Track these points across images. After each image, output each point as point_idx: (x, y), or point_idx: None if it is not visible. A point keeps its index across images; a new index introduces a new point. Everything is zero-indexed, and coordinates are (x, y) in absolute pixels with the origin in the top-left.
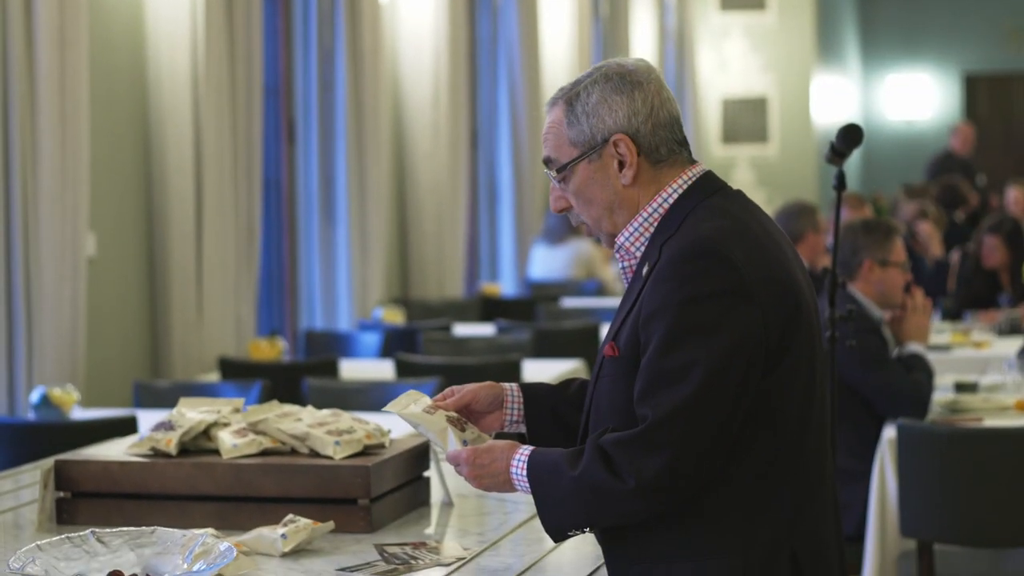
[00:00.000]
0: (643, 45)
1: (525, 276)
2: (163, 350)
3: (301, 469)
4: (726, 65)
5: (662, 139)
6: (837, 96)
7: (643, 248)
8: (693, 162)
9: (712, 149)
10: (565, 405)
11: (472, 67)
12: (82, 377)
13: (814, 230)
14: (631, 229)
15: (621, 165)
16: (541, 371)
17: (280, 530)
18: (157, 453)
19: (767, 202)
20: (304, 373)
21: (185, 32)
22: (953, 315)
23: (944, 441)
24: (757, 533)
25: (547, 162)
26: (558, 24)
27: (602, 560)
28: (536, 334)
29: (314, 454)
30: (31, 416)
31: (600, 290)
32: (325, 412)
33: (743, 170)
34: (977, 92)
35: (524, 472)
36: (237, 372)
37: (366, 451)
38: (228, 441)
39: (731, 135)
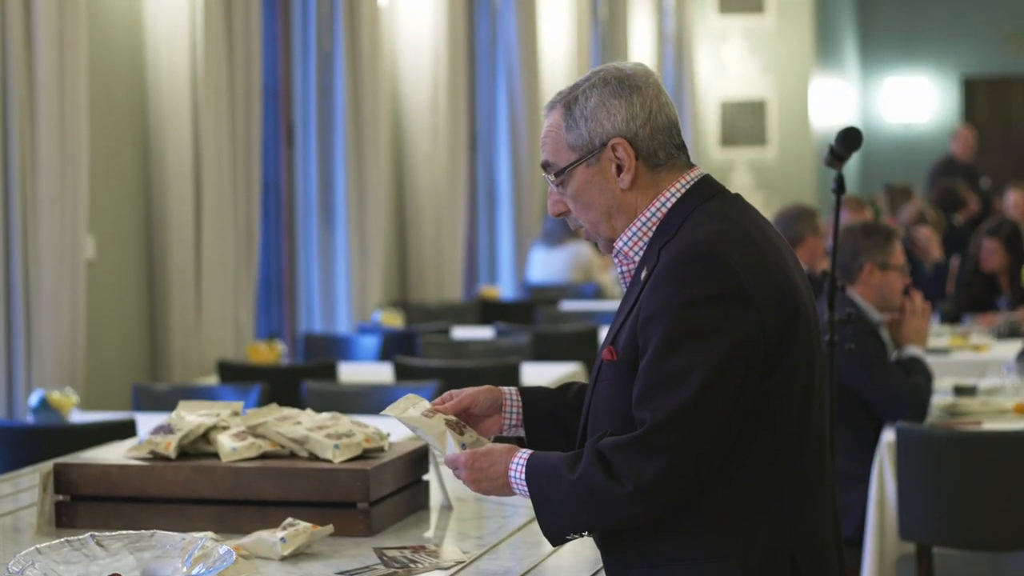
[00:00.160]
0: (642, 48)
1: (524, 279)
2: (162, 353)
3: (300, 472)
4: (724, 68)
5: (660, 143)
6: (836, 99)
7: (641, 252)
8: (691, 166)
9: (711, 152)
10: (564, 409)
11: (471, 70)
12: (81, 380)
13: (813, 233)
14: (629, 233)
15: (619, 169)
16: (540, 374)
17: (279, 533)
18: (156, 456)
19: (765, 205)
20: (303, 376)
21: (184, 35)
22: (952, 318)
23: (943, 444)
24: (756, 535)
25: (545, 166)
26: (557, 27)
27: (601, 564)
28: (535, 337)
29: (313, 457)
30: (30, 419)
31: (599, 293)
32: (324, 415)
33: (742, 173)
34: (976, 95)
35: (522, 476)
36: (236, 375)
37: (365, 455)
38: (227, 444)
39: (730, 138)
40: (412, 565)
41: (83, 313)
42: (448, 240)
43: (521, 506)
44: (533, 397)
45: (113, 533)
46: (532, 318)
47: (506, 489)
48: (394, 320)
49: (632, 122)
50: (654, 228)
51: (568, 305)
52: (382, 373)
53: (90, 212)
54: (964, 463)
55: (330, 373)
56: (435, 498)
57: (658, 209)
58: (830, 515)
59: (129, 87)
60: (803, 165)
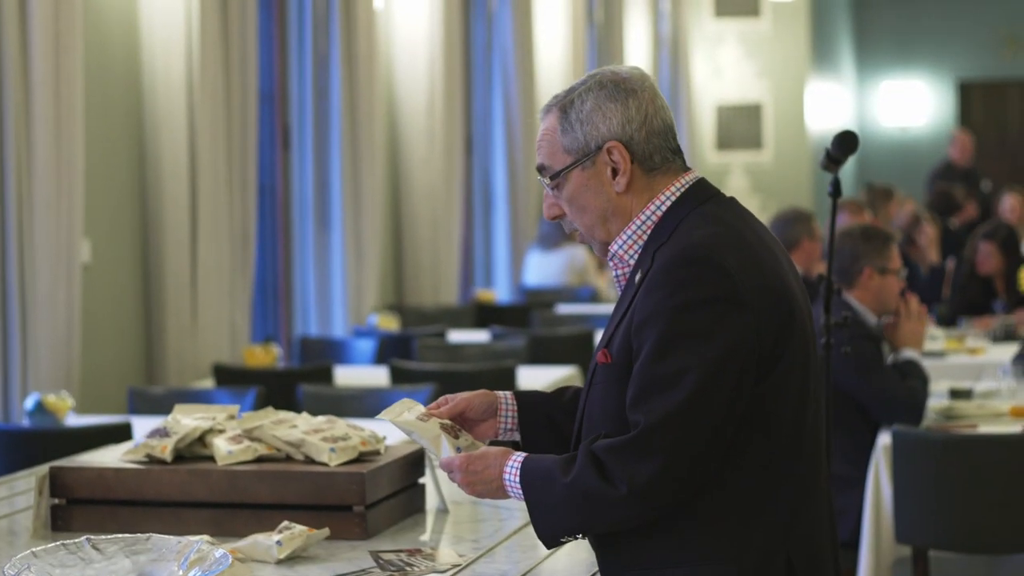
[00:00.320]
0: (637, 52)
1: (520, 282)
2: (158, 356)
3: (296, 476)
4: (720, 72)
5: (656, 147)
6: (831, 103)
7: (636, 256)
8: (686, 169)
9: (706, 156)
10: (559, 413)
11: (467, 73)
12: (77, 383)
13: (809, 237)
14: (624, 237)
15: (614, 172)
16: (535, 378)
17: (275, 537)
18: (152, 460)
19: (761, 209)
20: (299, 380)
21: (180, 38)
22: (948, 321)
23: (939, 447)
24: (752, 538)
25: (541, 169)
26: (553, 30)
27: (597, 567)
28: (531, 341)
29: (309, 461)
30: (26, 423)
31: (594, 297)
32: (320, 419)
33: (737, 177)
34: (971, 99)
35: (517, 478)
36: (232, 379)
37: (361, 458)
38: (223, 448)
39: (725, 142)
40: (408, 568)
41: (79, 316)
42: (444, 243)
43: (517, 509)
44: (528, 401)
45: (109, 536)
46: (528, 321)
47: (500, 492)
48: (390, 323)
49: (628, 126)
50: (649, 231)
51: (564, 308)
52: (378, 376)
53: (86, 215)
54: (960, 466)
55: (326, 376)
56: (431, 501)
57: (653, 212)
58: (826, 518)
59: (125, 90)
60: (799, 169)
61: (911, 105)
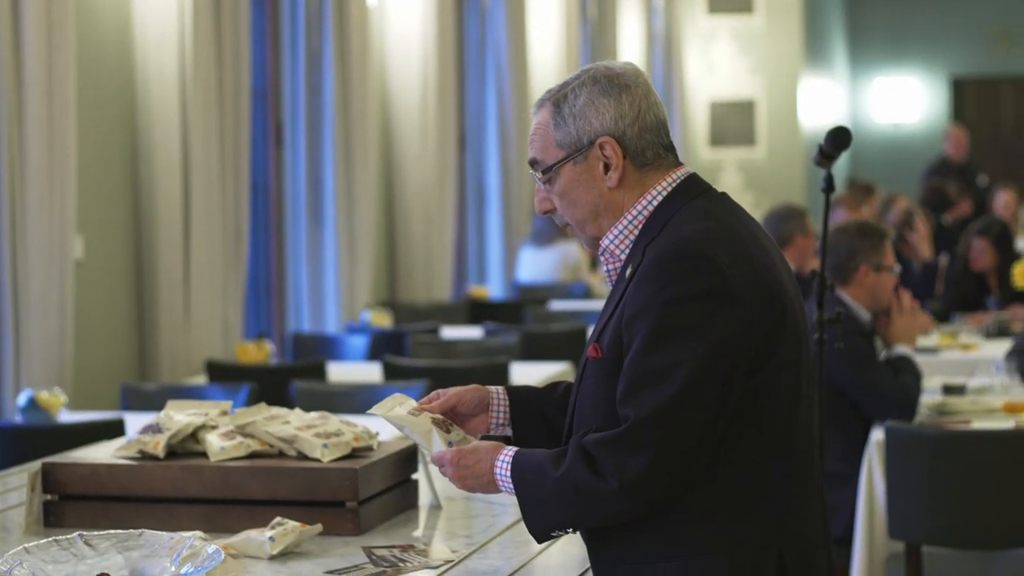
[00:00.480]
0: (631, 48)
1: (513, 279)
2: (150, 353)
3: (289, 472)
4: (714, 68)
5: (648, 143)
6: (825, 99)
7: (627, 251)
8: (678, 165)
9: (700, 152)
10: (551, 408)
11: (460, 70)
12: (69, 380)
13: (802, 233)
14: (615, 232)
15: (606, 168)
16: (529, 374)
17: (268, 533)
18: (145, 456)
19: (755, 205)
20: (292, 376)
21: (173, 35)
22: (941, 317)
23: (932, 443)
24: (744, 533)
25: (533, 163)
26: (546, 27)
27: (589, 563)
28: (524, 337)
29: (302, 457)
30: (18, 419)
31: (588, 293)
32: (313, 415)
33: (731, 173)
34: (964, 95)
35: (508, 473)
36: (224, 375)
37: (354, 454)
38: (216, 444)
39: (718, 138)
40: (401, 564)
41: (71, 313)
42: (437, 240)
43: (510, 505)
44: (520, 396)
45: (101, 532)
46: (521, 318)
47: (492, 486)
48: (383, 320)
49: (620, 121)
50: (640, 226)
51: (557, 305)
52: (371, 373)
53: (78, 212)
54: (953, 462)
55: (319, 373)
56: (424, 497)
57: (644, 207)
58: (818, 515)
59: (117, 87)
60: (792, 165)
61: (904, 101)
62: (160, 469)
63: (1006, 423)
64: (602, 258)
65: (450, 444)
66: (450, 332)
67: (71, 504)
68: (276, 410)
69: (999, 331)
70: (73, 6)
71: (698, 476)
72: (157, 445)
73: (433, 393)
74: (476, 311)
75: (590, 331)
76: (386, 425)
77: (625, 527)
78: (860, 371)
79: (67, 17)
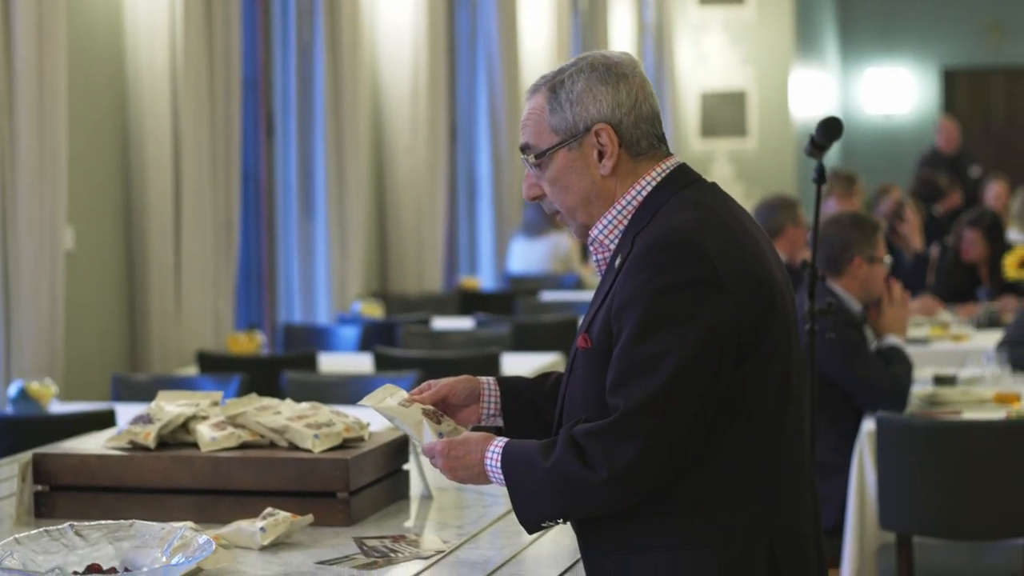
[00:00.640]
0: (622, 39)
1: (504, 270)
2: (141, 344)
3: (280, 462)
4: (705, 59)
5: (643, 132)
6: (816, 90)
7: (617, 240)
8: (668, 155)
9: (691, 143)
10: (542, 399)
11: (451, 61)
12: (60, 370)
13: (794, 224)
14: (605, 221)
15: (601, 155)
16: (520, 365)
17: (259, 523)
18: (135, 446)
19: (746, 196)
20: (283, 367)
21: (164, 25)
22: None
23: (923, 434)
24: (734, 523)
25: (525, 148)
26: (537, 18)
27: (579, 553)
28: (515, 328)
29: (293, 447)
30: (9, 410)
31: (579, 284)
32: (304, 405)
33: (722, 164)
34: (955, 87)
35: (498, 464)
36: (215, 366)
37: (345, 444)
38: (207, 434)
39: (710, 129)
40: (392, 555)
41: (62, 303)
42: (428, 231)
43: (501, 495)
44: (511, 386)
45: (92, 523)
46: (512, 308)
47: (482, 477)
48: (374, 310)
49: (617, 109)
50: (630, 216)
51: (548, 295)
52: (362, 363)
53: (69, 202)
54: (944, 453)
55: (310, 363)
56: (415, 488)
57: (634, 197)
58: (809, 505)
59: (108, 77)
60: (783, 156)
61: (895, 92)
62: (151, 460)
63: (997, 413)
64: (591, 248)
65: (440, 435)
66: (441, 323)
67: (62, 495)
68: (267, 401)
69: (990, 322)
70: None
71: (688, 466)
72: (148, 436)
73: (424, 384)
74: (467, 302)
75: (580, 321)
76: (377, 416)
77: (615, 518)
78: (851, 362)
79: (58, 6)
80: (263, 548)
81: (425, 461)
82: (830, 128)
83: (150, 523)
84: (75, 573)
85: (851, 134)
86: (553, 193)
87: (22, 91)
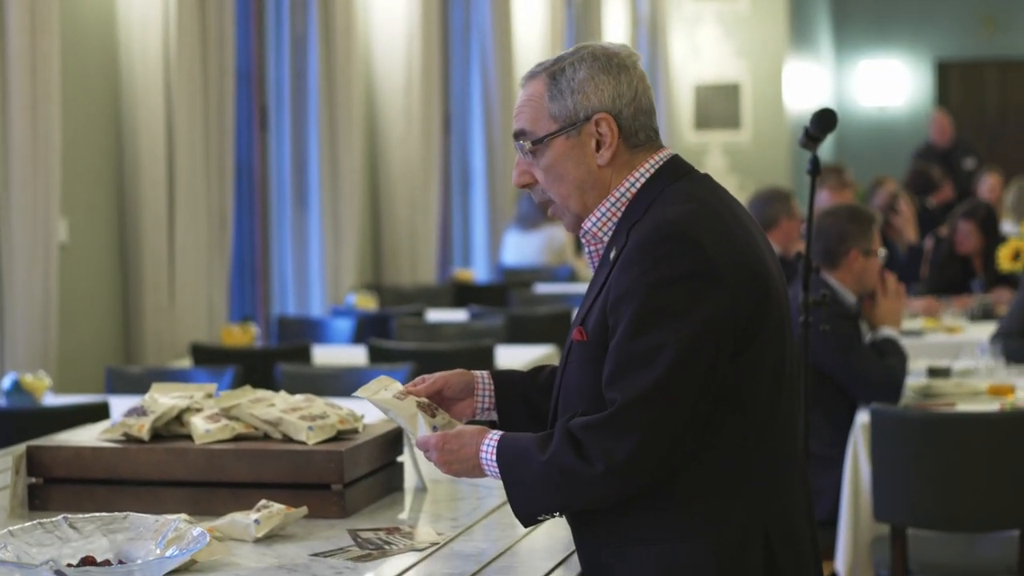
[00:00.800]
0: (615, 31)
1: (498, 262)
2: (135, 336)
3: (274, 454)
4: (699, 51)
5: (641, 125)
6: (810, 82)
7: (610, 233)
8: (661, 147)
9: (684, 135)
10: (536, 392)
11: (445, 53)
12: (54, 363)
13: (788, 216)
14: (599, 214)
15: (598, 145)
16: (514, 357)
17: (253, 515)
18: (129, 439)
19: (740, 188)
20: (276, 359)
21: (157, 16)
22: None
23: (917, 426)
24: (729, 516)
25: (520, 134)
26: (531, 10)
27: (575, 545)
28: (509, 320)
29: (287, 439)
30: (2, 402)
31: (573, 276)
32: (298, 397)
33: (716, 156)
34: (949, 79)
35: (493, 457)
36: (209, 358)
37: (339, 436)
38: (201, 426)
39: (703, 121)
40: (386, 547)
41: (56, 296)
42: (422, 223)
43: (495, 487)
44: (505, 380)
45: (86, 515)
46: (506, 301)
47: (477, 471)
48: (368, 303)
49: (618, 100)
50: (623, 208)
51: (542, 288)
52: (356, 356)
53: (63, 195)
54: (938, 445)
55: (304, 356)
56: (410, 480)
57: (627, 189)
58: (802, 497)
59: (101, 69)
60: (777, 148)
61: (889, 85)
62: (145, 452)
63: (991, 406)
64: (583, 240)
65: (435, 428)
66: (435, 315)
67: (56, 487)
68: (261, 393)
69: (984, 314)
70: None
71: (684, 459)
72: (142, 428)
73: (419, 378)
74: (461, 294)
75: (575, 314)
76: (371, 408)
77: (611, 511)
78: (846, 354)
79: None
80: (257, 540)
81: (419, 453)
82: (824, 120)
83: (144, 515)
84: (69, 565)
85: (845, 126)
86: (546, 181)
87: (15, 83)
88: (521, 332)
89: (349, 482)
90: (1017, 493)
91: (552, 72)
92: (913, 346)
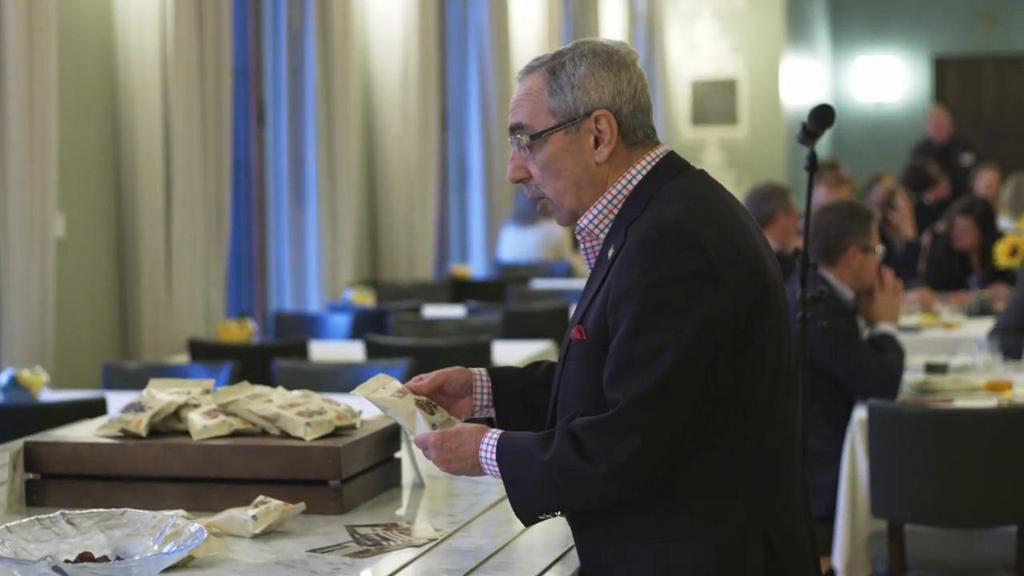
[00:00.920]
0: (612, 27)
1: (495, 258)
2: (132, 332)
3: (272, 450)
4: (696, 47)
5: (640, 122)
6: (806, 78)
7: (607, 230)
8: (657, 144)
9: (681, 131)
10: (533, 388)
11: (442, 49)
12: (51, 359)
13: (785, 212)
14: (595, 210)
15: (597, 142)
16: (511, 353)
17: (251, 511)
18: (127, 434)
19: (737, 184)
20: (274, 355)
21: (154, 12)
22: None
23: (915, 422)
24: (729, 514)
25: (516, 129)
26: (528, 6)
27: (573, 542)
28: (506, 316)
29: (285, 435)
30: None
31: (570, 272)
32: (296, 393)
33: (713, 152)
34: (946, 75)
35: (493, 456)
36: (207, 354)
37: (337, 432)
38: (198, 422)
39: (700, 117)
40: (384, 543)
41: (53, 291)
42: (419, 219)
43: (493, 484)
44: (502, 377)
45: (84, 511)
46: (503, 297)
47: (476, 469)
48: (365, 299)
49: (618, 97)
50: (620, 206)
51: (539, 284)
52: (353, 351)
53: (60, 190)
54: (936, 441)
55: (301, 351)
56: (407, 476)
57: (624, 186)
58: (800, 494)
59: (99, 65)
60: (774, 144)
61: (886, 80)
62: (142, 448)
63: (988, 401)
64: (579, 236)
65: (434, 426)
66: (432, 311)
67: (53, 483)
68: (259, 389)
69: (981, 310)
70: None
71: (683, 459)
72: (139, 424)
73: (417, 376)
74: (458, 290)
75: (572, 310)
76: (369, 404)
77: (611, 510)
78: (843, 350)
79: None
80: (255, 536)
81: (417, 449)
82: (822, 116)
83: (142, 511)
84: (67, 561)
85: (842, 122)
86: (542, 177)
87: (12, 79)
88: (518, 328)
89: (347, 478)
90: (1014, 489)
91: (552, 67)
92: (910, 342)
